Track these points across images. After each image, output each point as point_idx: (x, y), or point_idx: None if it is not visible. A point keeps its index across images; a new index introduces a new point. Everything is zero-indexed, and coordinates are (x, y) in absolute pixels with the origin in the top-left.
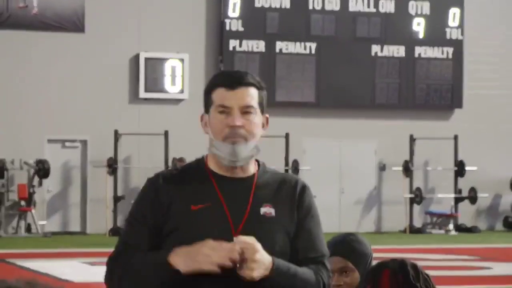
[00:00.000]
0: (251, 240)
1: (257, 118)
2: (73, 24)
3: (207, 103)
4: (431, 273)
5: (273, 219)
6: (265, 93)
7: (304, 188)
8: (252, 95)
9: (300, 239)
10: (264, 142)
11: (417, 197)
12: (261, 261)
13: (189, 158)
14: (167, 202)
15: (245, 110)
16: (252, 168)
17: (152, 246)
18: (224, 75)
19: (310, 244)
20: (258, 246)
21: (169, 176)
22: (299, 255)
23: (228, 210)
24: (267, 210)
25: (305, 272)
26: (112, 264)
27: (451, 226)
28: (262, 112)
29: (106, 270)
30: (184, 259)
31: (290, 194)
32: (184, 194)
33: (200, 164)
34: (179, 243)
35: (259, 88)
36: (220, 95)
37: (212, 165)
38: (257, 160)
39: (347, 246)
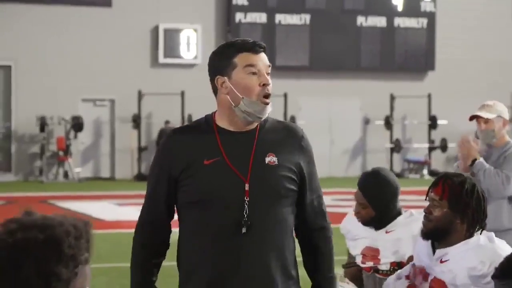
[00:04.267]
0: None
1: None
2: (103, 0)
3: (226, 66)
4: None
5: (276, 167)
6: None
7: (304, 136)
8: (267, 58)
9: (307, 188)
10: None
11: (396, 147)
12: None
13: (201, 114)
14: (182, 156)
15: (268, 71)
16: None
17: (169, 197)
18: (244, 42)
19: (315, 195)
20: None
21: (182, 132)
22: (307, 204)
23: (232, 164)
24: (270, 159)
25: (327, 255)
26: (133, 238)
27: (425, 171)
28: None
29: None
30: None
31: (293, 142)
32: (196, 150)
33: (208, 120)
34: (195, 196)
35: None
36: (247, 58)
37: (220, 122)
38: None
39: (370, 186)
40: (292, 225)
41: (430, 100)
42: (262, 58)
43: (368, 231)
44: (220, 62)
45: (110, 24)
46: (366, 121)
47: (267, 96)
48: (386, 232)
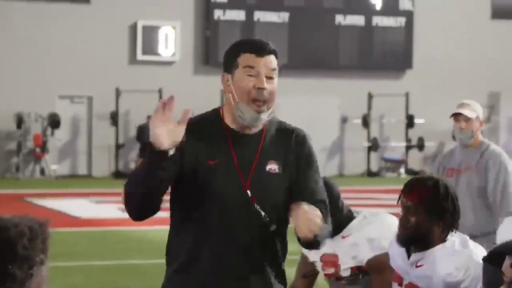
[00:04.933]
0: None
1: (276, 82)
2: None
3: (231, 64)
4: (385, 210)
5: (277, 175)
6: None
7: (304, 138)
8: (274, 61)
9: (303, 189)
10: None
11: (373, 145)
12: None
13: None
14: (188, 152)
15: (270, 75)
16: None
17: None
18: (251, 43)
19: (313, 194)
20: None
21: (192, 127)
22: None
23: (238, 166)
24: (272, 166)
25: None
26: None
27: (402, 170)
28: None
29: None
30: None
31: (287, 146)
32: (203, 147)
33: (216, 117)
34: (196, 194)
35: (276, 56)
36: (248, 60)
37: (227, 120)
38: None
39: None
40: (285, 233)
41: (408, 99)
42: (266, 61)
43: None
44: (227, 60)
45: (89, 20)
46: (344, 120)
47: (260, 101)
48: (343, 238)
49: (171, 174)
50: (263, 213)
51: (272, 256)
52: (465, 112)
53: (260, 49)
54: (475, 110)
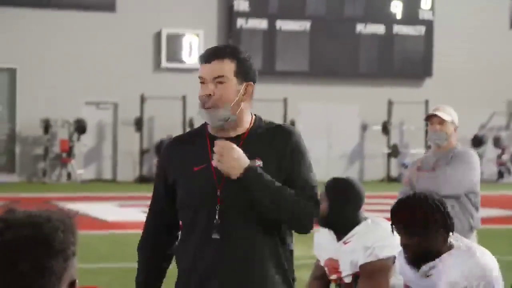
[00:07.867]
0: (226, 143)
1: (228, 86)
2: (107, 5)
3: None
4: None
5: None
6: (247, 63)
7: (289, 133)
8: (224, 66)
9: (293, 185)
10: (266, 104)
11: (393, 152)
12: (234, 159)
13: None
14: (175, 165)
15: (217, 80)
16: (244, 127)
17: (169, 200)
18: (203, 53)
19: (302, 188)
20: (232, 145)
21: (179, 141)
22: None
23: (214, 169)
24: (256, 163)
25: (292, 193)
26: (143, 230)
27: None
28: (243, 80)
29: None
30: None
31: (278, 143)
32: (188, 157)
33: (202, 128)
34: (183, 201)
35: (236, 59)
36: (200, 69)
37: (208, 128)
38: (255, 115)
39: (331, 185)
40: (282, 227)
41: (427, 106)
42: (208, 68)
43: (331, 243)
44: None
45: (114, 28)
46: (364, 126)
47: (204, 104)
48: (344, 244)
49: (172, 207)
50: (216, 217)
51: (259, 254)
52: (440, 114)
53: (202, 58)
54: (450, 114)
